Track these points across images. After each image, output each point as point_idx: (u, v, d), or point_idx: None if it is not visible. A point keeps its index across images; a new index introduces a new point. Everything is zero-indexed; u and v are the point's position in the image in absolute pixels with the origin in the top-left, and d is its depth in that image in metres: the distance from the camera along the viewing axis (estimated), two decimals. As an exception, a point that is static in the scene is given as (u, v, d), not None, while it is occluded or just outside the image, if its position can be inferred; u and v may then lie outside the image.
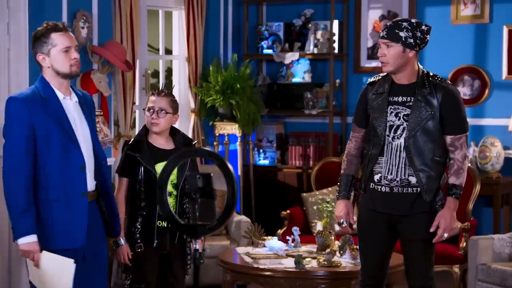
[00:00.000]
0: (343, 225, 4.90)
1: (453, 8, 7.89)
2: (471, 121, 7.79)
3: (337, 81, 8.28)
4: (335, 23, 8.13)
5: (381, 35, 4.71)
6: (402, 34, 4.65)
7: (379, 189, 4.75)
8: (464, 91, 7.83)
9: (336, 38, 8.16)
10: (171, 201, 4.96)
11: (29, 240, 4.13)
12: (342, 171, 4.93)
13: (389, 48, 4.67)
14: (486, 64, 7.82)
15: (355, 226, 4.93)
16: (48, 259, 4.18)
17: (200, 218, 4.20)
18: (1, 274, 6.25)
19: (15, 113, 4.17)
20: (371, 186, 4.78)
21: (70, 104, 4.29)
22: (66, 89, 4.30)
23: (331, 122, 8.12)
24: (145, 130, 5.07)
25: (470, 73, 7.87)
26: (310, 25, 8.28)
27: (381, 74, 4.86)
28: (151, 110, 5.02)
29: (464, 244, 6.65)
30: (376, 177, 4.75)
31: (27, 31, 6.26)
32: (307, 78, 8.34)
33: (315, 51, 8.19)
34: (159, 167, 4.86)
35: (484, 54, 7.82)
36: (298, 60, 8.32)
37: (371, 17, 8.20)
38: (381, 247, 4.83)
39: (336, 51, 8.17)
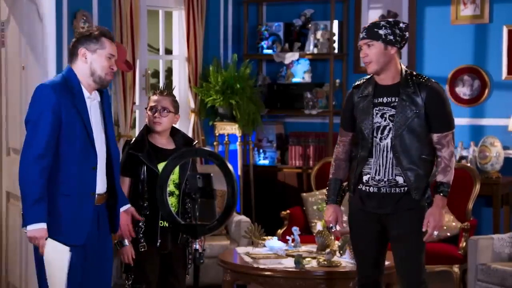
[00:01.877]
0: (333, 230, 4.92)
1: (453, 8, 7.89)
2: (471, 121, 7.84)
3: (337, 81, 8.28)
4: (335, 23, 8.13)
5: (361, 36, 4.72)
6: (381, 32, 4.66)
7: (367, 190, 4.76)
8: (464, 91, 7.84)
9: (336, 38, 8.16)
10: (173, 200, 4.97)
11: (38, 227, 4.14)
12: (330, 176, 4.95)
13: (371, 48, 4.67)
14: (486, 64, 7.82)
15: (346, 229, 4.97)
16: (49, 245, 4.20)
17: (200, 218, 4.21)
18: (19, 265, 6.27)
19: (44, 99, 4.18)
20: (359, 187, 4.80)
21: (92, 104, 4.34)
22: (92, 90, 4.36)
23: (331, 122, 8.12)
24: (146, 130, 5.07)
25: (470, 73, 7.87)
26: (310, 25, 8.28)
27: (366, 77, 4.87)
28: (154, 109, 5.03)
29: (464, 244, 6.66)
30: (365, 178, 4.76)
31: (27, 31, 6.27)
32: (307, 78, 8.34)
33: (315, 51, 8.19)
34: (161, 167, 4.85)
35: (484, 54, 7.82)
36: (298, 60, 8.32)
37: (371, 17, 8.18)
38: (374, 246, 4.83)
39: (336, 51, 8.17)
